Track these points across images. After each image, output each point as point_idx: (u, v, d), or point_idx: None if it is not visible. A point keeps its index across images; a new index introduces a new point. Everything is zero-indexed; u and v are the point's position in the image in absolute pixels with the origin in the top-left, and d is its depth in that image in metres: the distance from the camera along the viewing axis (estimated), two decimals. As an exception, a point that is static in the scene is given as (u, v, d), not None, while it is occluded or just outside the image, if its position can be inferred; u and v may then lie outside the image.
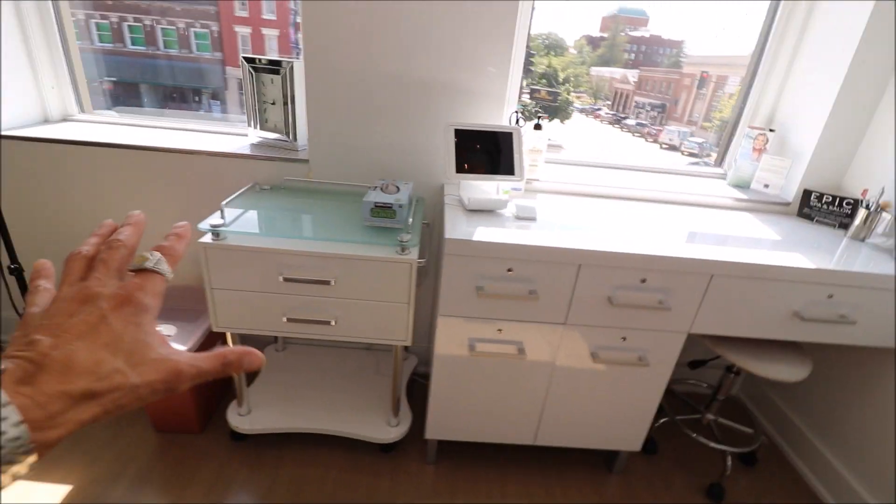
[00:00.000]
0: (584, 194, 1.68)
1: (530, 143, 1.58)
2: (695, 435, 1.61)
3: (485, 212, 1.36)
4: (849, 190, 1.65)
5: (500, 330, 1.28)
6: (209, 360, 0.31)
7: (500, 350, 1.30)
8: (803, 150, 1.67)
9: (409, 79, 1.49)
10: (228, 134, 1.81)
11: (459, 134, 1.35)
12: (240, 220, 1.34)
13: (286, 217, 1.43)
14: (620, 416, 1.44)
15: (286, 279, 1.25)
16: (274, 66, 1.58)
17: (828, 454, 1.61)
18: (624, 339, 1.29)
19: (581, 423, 1.45)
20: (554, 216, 1.41)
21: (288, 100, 1.59)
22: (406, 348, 1.89)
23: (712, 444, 1.58)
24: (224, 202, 1.31)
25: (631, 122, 2.74)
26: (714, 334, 1.32)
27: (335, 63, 1.48)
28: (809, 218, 1.66)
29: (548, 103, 2.34)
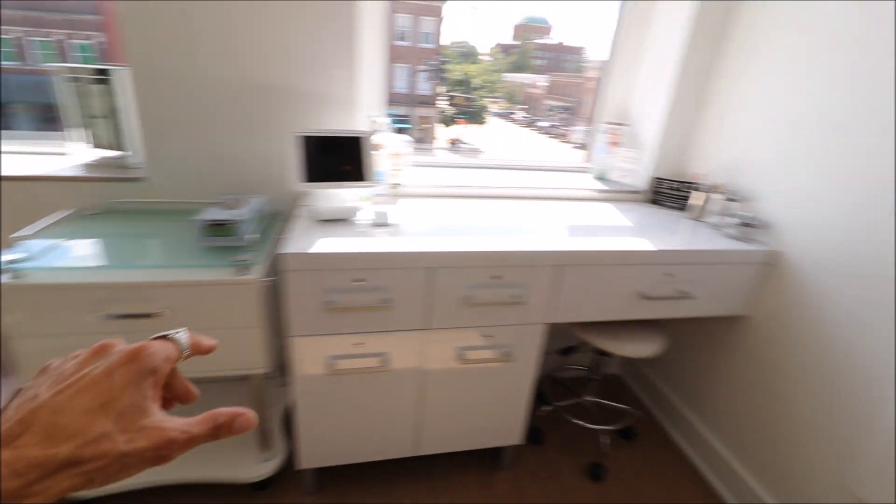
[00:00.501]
0: (456, 196, 1.67)
1: (392, 148, 1.55)
2: (574, 419, 1.66)
3: (338, 221, 1.30)
4: (690, 175, 1.79)
5: (359, 344, 1.22)
6: (201, 424, 0.31)
7: (362, 364, 1.24)
8: (651, 141, 1.80)
9: (252, 84, 1.39)
10: (59, 154, 1.58)
11: (306, 141, 1.28)
12: (51, 253, 1.16)
13: (111, 245, 1.27)
14: (497, 412, 1.44)
15: (109, 316, 1.10)
16: (99, 76, 1.41)
17: (693, 419, 1.73)
18: (487, 336, 1.29)
19: (459, 425, 1.43)
20: (414, 220, 1.38)
21: (117, 112, 1.42)
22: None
23: (588, 426, 1.64)
24: (16, 234, 1.13)
25: (544, 124, 2.84)
26: (573, 321, 1.36)
27: (166, 70, 1.34)
28: (659, 203, 1.79)
29: (464, 108, 2.38)
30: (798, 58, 1.36)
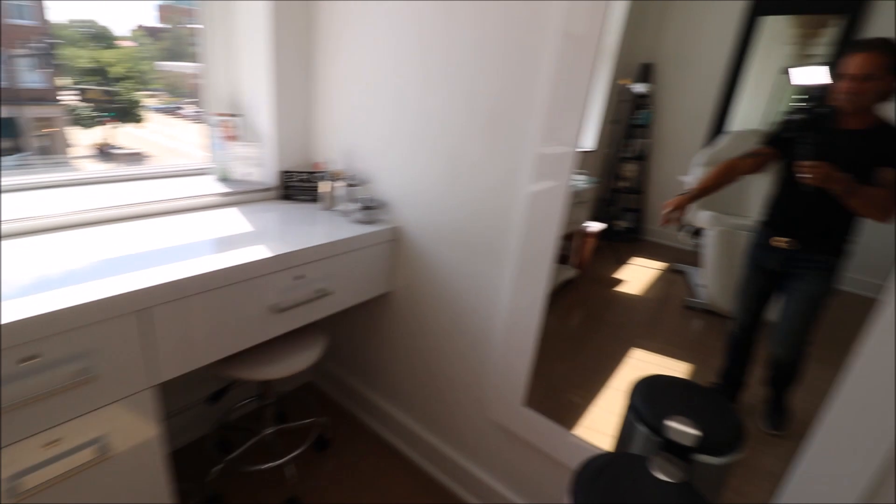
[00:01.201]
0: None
1: None
2: (252, 466, 1.43)
3: None
4: (315, 165, 1.75)
5: None
6: None
7: None
8: (269, 132, 1.64)
9: None
10: None
11: None
12: None
13: None
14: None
15: None
16: None
17: (377, 399, 1.77)
18: (53, 443, 0.88)
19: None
20: None
21: None
22: None
23: (266, 467, 1.45)
24: None
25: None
26: (190, 370, 1.09)
27: None
28: (292, 198, 1.67)
29: (106, 105, 1.74)
30: (373, 49, 1.43)
